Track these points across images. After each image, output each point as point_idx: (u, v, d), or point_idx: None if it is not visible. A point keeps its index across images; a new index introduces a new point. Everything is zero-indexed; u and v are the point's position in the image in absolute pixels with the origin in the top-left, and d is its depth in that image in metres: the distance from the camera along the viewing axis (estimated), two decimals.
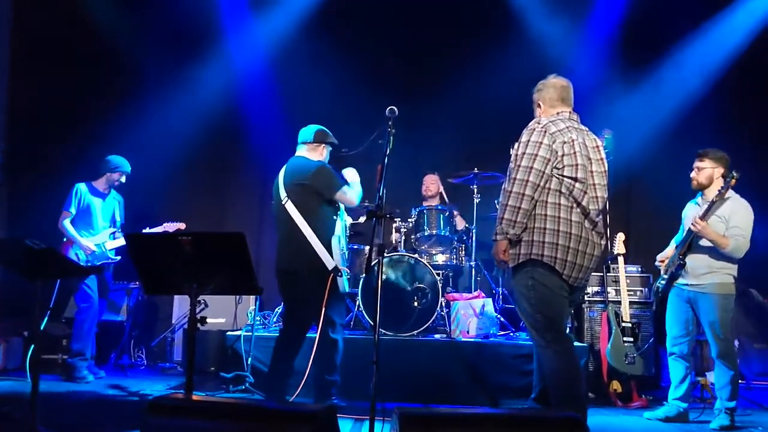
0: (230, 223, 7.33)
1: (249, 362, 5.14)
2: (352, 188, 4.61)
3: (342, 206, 4.73)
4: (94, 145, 6.43)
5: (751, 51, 6.88)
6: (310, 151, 4.68)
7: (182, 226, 5.98)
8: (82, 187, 5.77)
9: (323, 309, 4.32)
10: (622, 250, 5.54)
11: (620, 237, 5.61)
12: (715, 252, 4.50)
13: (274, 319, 5.96)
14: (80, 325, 5.62)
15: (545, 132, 3.55)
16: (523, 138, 3.60)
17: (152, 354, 6.76)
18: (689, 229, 4.55)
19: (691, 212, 4.70)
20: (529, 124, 3.68)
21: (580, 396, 3.48)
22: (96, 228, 5.75)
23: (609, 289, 5.94)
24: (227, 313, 6.27)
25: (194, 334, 3.07)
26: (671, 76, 7.11)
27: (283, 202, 4.49)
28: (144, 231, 5.77)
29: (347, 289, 4.63)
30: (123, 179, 5.88)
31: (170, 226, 5.92)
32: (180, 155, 7.10)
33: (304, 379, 4.43)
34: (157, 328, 7.00)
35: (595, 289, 6.14)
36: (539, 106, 3.87)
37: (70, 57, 7.23)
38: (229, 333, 5.47)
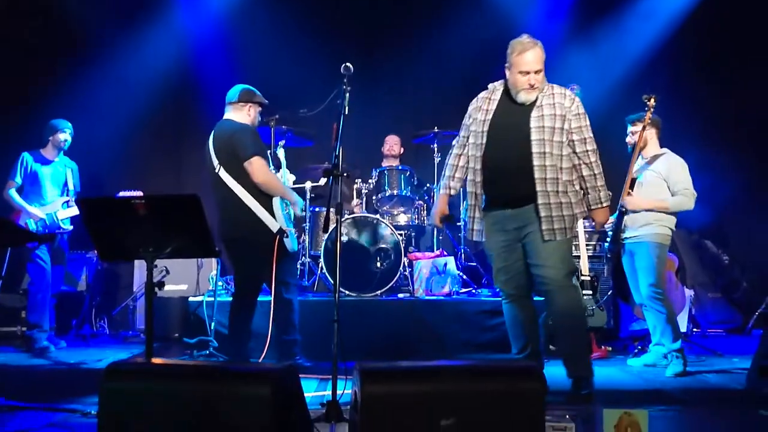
0: (188, 188, 7.19)
1: (212, 327, 5.12)
2: (269, 169, 4.41)
3: (283, 163, 4.66)
4: (42, 113, 6.19)
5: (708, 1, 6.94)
6: (236, 111, 4.50)
7: (139, 194, 5.85)
8: (27, 155, 5.59)
9: (273, 271, 4.29)
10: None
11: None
12: None
13: None
14: (34, 297, 5.50)
15: None
16: (581, 108, 3.75)
17: (114, 323, 6.69)
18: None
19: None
20: (563, 91, 3.77)
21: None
22: (45, 197, 5.58)
23: None
24: (189, 280, 6.22)
25: (152, 299, 3.03)
26: (631, 26, 7.12)
27: (216, 170, 4.36)
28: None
29: (296, 248, 4.60)
30: (68, 137, 5.64)
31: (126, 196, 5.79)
32: (134, 120, 6.95)
33: (267, 342, 4.43)
34: (119, 297, 6.91)
35: None
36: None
37: (14, 19, 6.92)
38: (191, 299, 5.43)
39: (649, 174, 4.66)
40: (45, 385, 4.44)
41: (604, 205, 3.78)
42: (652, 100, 4.55)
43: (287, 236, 4.36)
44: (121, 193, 5.76)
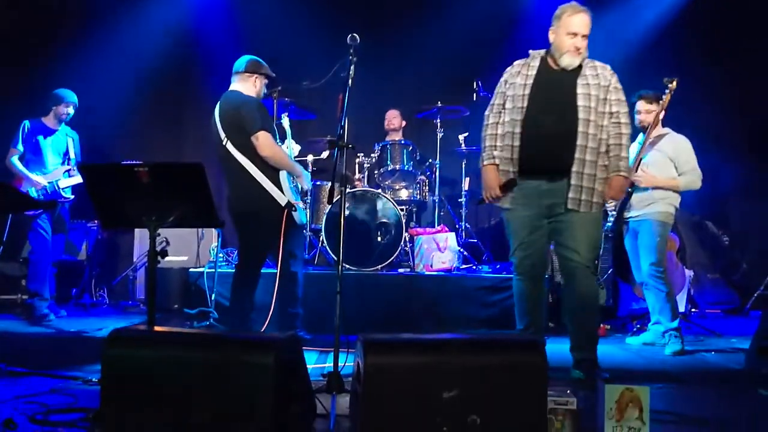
0: (190, 158, 7.16)
1: (213, 298, 5.13)
2: (275, 142, 4.35)
3: (288, 132, 4.63)
4: (45, 81, 6.16)
5: None
6: (242, 83, 4.43)
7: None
8: (28, 123, 5.54)
9: (281, 244, 4.28)
10: None
11: None
12: None
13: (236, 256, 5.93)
14: (34, 266, 5.49)
15: None
16: (619, 83, 3.71)
17: (114, 293, 6.70)
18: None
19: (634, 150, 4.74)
20: (604, 65, 3.74)
21: None
22: (47, 165, 5.54)
23: None
24: (190, 251, 6.23)
25: (155, 268, 3.03)
26: (634, 6, 7.05)
27: (223, 143, 4.32)
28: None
29: (304, 221, 4.59)
30: (71, 111, 5.61)
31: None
32: (136, 89, 6.90)
33: (269, 315, 4.42)
34: (119, 267, 6.91)
35: None
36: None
37: None
38: (191, 270, 5.43)
39: (655, 154, 4.64)
40: (46, 352, 4.46)
41: (623, 173, 3.65)
42: (674, 83, 4.52)
43: (295, 209, 4.35)
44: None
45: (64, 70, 6.49)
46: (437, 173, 6.22)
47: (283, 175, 4.36)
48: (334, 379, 3.09)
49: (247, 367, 2.31)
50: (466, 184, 6.50)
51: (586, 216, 3.63)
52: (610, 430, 2.55)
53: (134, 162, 5.62)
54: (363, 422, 2.34)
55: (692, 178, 4.60)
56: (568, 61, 3.64)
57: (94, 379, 3.34)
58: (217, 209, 3.03)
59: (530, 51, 3.84)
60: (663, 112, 4.66)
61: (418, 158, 6.17)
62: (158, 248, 3.02)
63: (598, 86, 3.63)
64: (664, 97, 4.56)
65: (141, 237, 6.59)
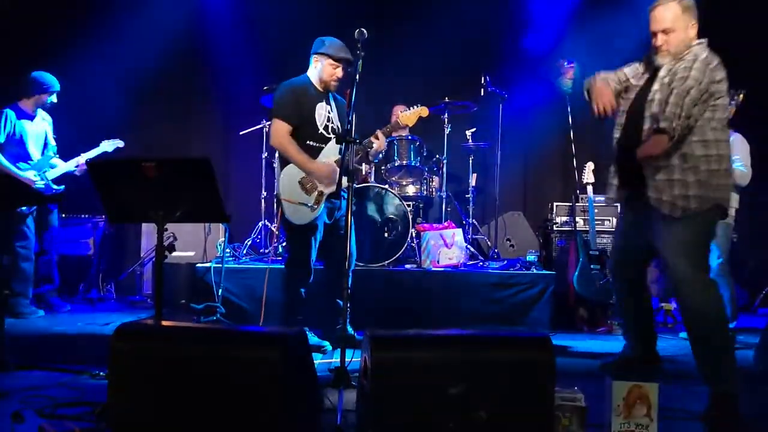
0: (195, 152, 7.16)
1: (219, 294, 5.13)
2: (285, 134, 4.15)
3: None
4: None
5: None
6: (311, 65, 4.33)
7: (120, 143, 5.68)
8: (10, 112, 5.26)
9: (274, 236, 4.28)
10: (591, 180, 5.58)
11: (590, 166, 5.64)
12: None
13: (244, 251, 5.93)
14: (20, 265, 5.30)
15: None
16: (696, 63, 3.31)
17: (121, 288, 6.72)
18: None
19: None
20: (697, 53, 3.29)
21: None
22: (30, 156, 5.31)
23: (578, 218, 6.00)
24: (197, 246, 6.23)
25: (162, 262, 3.03)
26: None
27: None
28: (83, 154, 5.47)
29: (298, 223, 4.21)
30: (55, 99, 5.41)
31: (108, 144, 5.62)
32: (141, 83, 6.89)
33: (262, 307, 4.39)
34: (126, 262, 6.92)
35: (564, 218, 6.21)
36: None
37: None
38: (198, 265, 5.43)
39: None
40: (53, 347, 4.47)
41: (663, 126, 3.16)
42: (741, 96, 4.59)
43: (279, 205, 4.21)
44: (103, 142, 5.64)
45: (72, 64, 6.47)
46: (444, 169, 6.20)
47: (289, 169, 4.24)
48: (341, 374, 3.08)
49: (253, 362, 2.31)
50: (473, 180, 6.48)
51: None
52: (618, 427, 2.54)
53: (116, 149, 5.50)
54: (370, 417, 2.33)
55: (745, 172, 4.77)
56: (657, 61, 3.37)
57: (101, 373, 3.34)
58: (224, 204, 3.03)
59: None
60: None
61: (425, 154, 6.14)
62: (165, 243, 3.03)
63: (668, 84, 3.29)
64: (729, 108, 4.53)
65: (148, 232, 6.59)
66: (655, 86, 3.30)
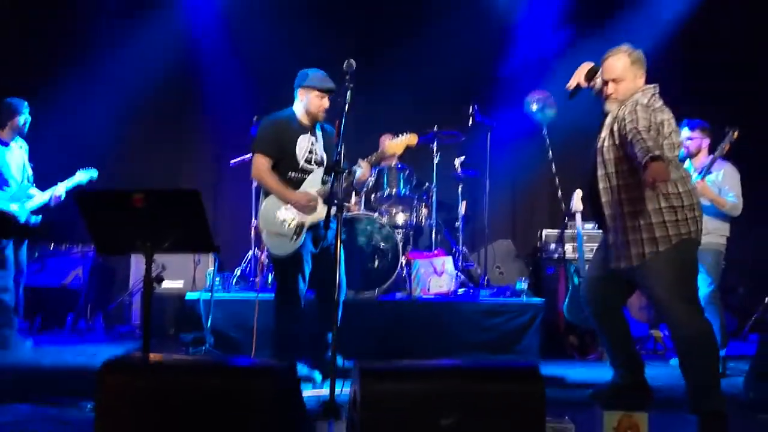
0: (186, 181, 7.16)
1: (209, 324, 5.09)
2: (265, 169, 4.20)
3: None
4: (44, 105, 6.08)
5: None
6: (297, 99, 4.36)
7: (94, 173, 5.57)
8: None
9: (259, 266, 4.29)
10: (580, 207, 5.60)
11: (578, 194, 5.65)
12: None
13: (234, 281, 5.90)
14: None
15: None
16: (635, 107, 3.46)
17: (110, 318, 6.65)
18: None
19: None
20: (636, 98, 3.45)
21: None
22: (12, 186, 5.18)
23: (567, 246, 6.01)
24: (186, 276, 6.20)
25: (150, 294, 3.02)
26: (631, 28, 7.10)
27: None
28: (59, 184, 5.34)
29: (277, 254, 4.25)
30: (28, 118, 5.25)
31: (82, 175, 5.51)
32: (132, 112, 6.91)
33: (254, 339, 4.37)
34: (114, 292, 6.88)
35: (553, 246, 6.22)
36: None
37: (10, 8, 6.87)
38: (188, 295, 5.40)
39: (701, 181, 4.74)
40: (38, 380, 4.41)
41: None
42: (736, 134, 4.68)
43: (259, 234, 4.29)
44: (78, 173, 5.54)
45: (60, 94, 6.50)
46: (434, 197, 6.22)
47: (270, 200, 4.26)
48: (331, 406, 3.06)
49: (243, 395, 2.29)
50: (462, 208, 6.50)
51: None
52: None
53: (90, 179, 5.43)
54: None
55: (737, 203, 4.82)
56: (605, 108, 3.55)
57: (89, 407, 3.30)
58: (212, 234, 3.03)
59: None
60: (708, 141, 4.93)
61: (414, 183, 6.17)
62: (154, 274, 3.02)
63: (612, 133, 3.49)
64: (723, 145, 4.70)
65: (137, 262, 6.55)
66: (604, 133, 3.48)
